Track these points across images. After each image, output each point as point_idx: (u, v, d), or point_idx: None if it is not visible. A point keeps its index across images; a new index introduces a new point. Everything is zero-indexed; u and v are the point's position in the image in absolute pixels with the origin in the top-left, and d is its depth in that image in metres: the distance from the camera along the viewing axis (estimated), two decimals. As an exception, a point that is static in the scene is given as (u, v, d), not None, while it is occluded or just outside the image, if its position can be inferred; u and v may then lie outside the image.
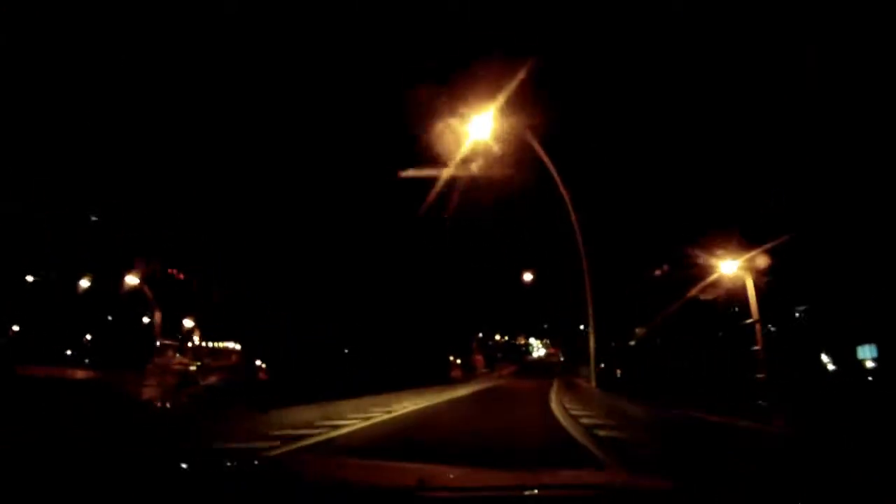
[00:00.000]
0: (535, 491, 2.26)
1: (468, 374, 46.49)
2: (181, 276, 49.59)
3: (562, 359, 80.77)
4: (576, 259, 17.26)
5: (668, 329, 34.57)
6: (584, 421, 11.94)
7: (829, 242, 20.09)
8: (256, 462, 3.00)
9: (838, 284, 21.98)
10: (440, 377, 37.66)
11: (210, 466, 2.51)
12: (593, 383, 18.35)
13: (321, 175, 34.46)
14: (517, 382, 40.34)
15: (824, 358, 25.67)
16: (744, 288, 16.36)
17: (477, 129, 13.60)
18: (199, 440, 8.43)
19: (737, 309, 25.47)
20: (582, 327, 70.67)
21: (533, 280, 38.92)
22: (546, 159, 16.25)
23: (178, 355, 50.30)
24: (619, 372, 32.42)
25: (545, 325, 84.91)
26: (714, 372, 25.29)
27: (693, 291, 21.93)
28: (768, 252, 16.04)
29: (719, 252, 16.65)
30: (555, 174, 16.71)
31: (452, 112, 13.29)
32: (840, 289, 21.98)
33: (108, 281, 30.19)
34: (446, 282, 41.79)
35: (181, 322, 55.25)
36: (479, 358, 49.35)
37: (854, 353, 26.20)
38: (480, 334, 54.56)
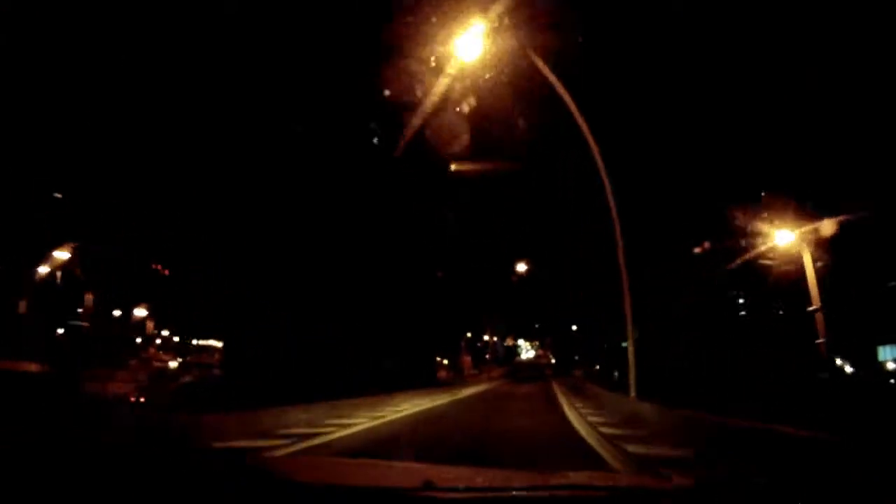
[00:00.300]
0: (546, 492, 2.18)
1: (456, 375, 45.30)
2: (166, 272, 48.96)
3: (552, 360, 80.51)
4: (576, 250, 15.88)
5: (666, 328, 33.63)
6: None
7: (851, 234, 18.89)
8: (252, 463, 2.88)
9: (856, 281, 20.85)
10: (427, 378, 36.58)
11: (203, 467, 2.41)
12: (632, 393, 14.18)
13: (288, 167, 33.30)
14: (511, 386, 37.27)
15: (838, 361, 24.41)
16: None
17: (464, 51, 10.62)
18: (187, 439, 8.09)
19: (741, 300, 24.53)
20: (574, 328, 70.26)
21: (527, 271, 37.62)
22: (559, 86, 12.17)
23: (160, 352, 49.78)
24: (616, 374, 31.36)
25: (536, 325, 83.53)
26: (716, 372, 23.89)
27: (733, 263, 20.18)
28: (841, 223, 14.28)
29: (774, 220, 15.21)
30: (574, 109, 12.59)
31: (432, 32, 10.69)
32: (859, 286, 20.87)
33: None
34: (435, 277, 40.60)
35: (163, 318, 54.55)
36: (466, 359, 47.85)
37: (874, 354, 24.95)
38: (469, 334, 52.94)
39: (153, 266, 49.14)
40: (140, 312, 48.70)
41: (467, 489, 2.28)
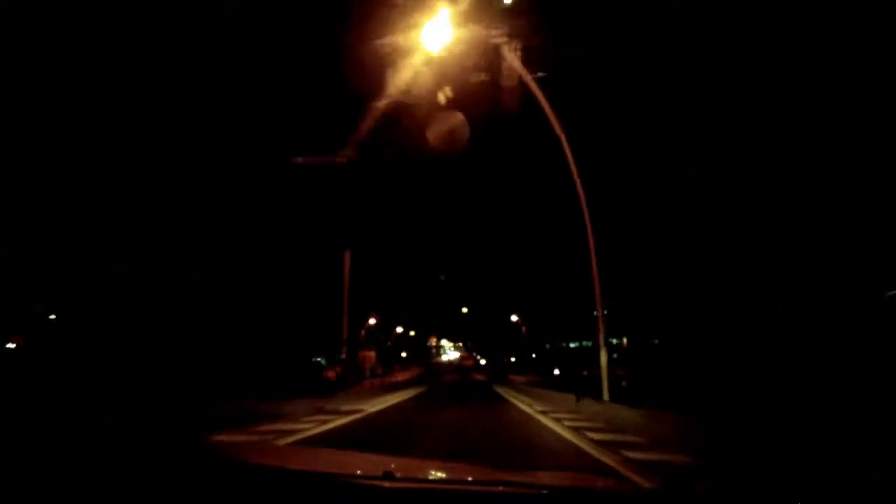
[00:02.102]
0: (502, 487, 2.14)
1: (355, 376, 36.11)
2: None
3: (482, 362, 73.34)
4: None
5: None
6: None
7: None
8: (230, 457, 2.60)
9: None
10: (308, 380, 29.89)
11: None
12: None
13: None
14: (425, 422, 15.42)
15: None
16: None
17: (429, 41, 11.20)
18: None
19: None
20: (514, 318, 62.13)
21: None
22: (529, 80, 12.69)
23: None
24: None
25: (464, 309, 72.84)
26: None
27: None
28: None
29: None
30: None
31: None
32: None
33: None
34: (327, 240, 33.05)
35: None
36: (369, 354, 37.98)
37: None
38: (372, 321, 43.17)
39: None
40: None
41: (428, 480, 2.30)
